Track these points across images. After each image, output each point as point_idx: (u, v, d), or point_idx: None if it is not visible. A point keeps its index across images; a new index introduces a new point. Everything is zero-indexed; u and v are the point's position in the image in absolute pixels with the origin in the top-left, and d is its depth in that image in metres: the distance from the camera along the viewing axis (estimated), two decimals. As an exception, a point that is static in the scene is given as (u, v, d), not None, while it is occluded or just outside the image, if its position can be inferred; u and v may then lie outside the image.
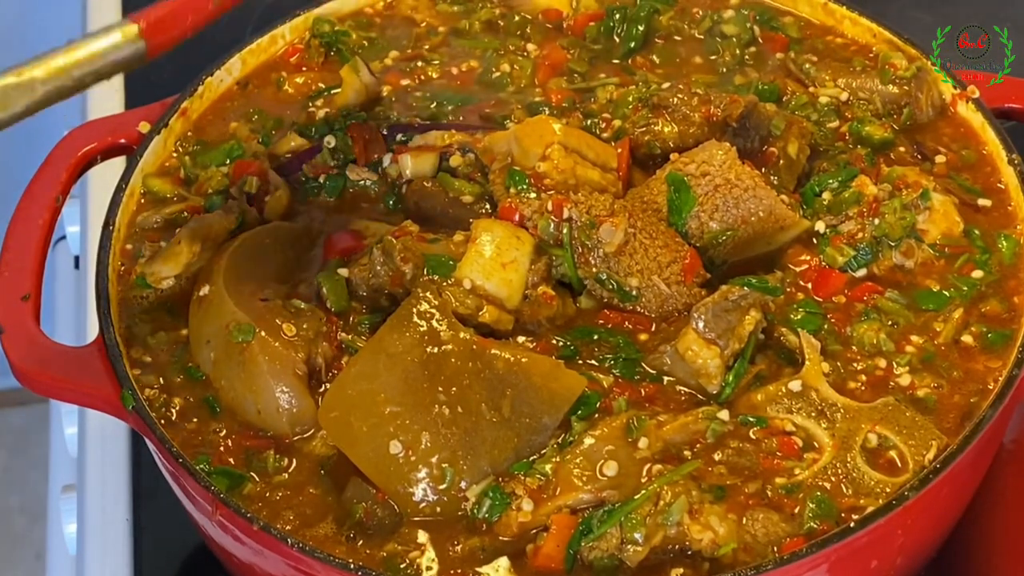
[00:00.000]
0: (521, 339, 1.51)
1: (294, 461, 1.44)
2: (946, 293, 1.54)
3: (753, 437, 1.42)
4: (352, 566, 1.33)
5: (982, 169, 1.66)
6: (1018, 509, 1.60)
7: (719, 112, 1.62)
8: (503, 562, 1.36)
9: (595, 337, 1.51)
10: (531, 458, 1.40)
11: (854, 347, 1.50)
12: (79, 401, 1.54)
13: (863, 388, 1.47)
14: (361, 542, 1.38)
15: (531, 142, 1.57)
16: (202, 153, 1.72)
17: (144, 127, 1.71)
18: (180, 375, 1.51)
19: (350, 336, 1.51)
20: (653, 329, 1.52)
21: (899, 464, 1.40)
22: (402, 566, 1.36)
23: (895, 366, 1.48)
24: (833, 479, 1.39)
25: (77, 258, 2.19)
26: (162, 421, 1.46)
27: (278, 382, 1.45)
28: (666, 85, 1.71)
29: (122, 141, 1.71)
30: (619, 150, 1.62)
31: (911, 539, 1.43)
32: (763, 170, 1.60)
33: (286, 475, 1.43)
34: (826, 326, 1.51)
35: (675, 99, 1.64)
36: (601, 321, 1.53)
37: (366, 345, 1.47)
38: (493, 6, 1.90)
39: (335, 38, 1.85)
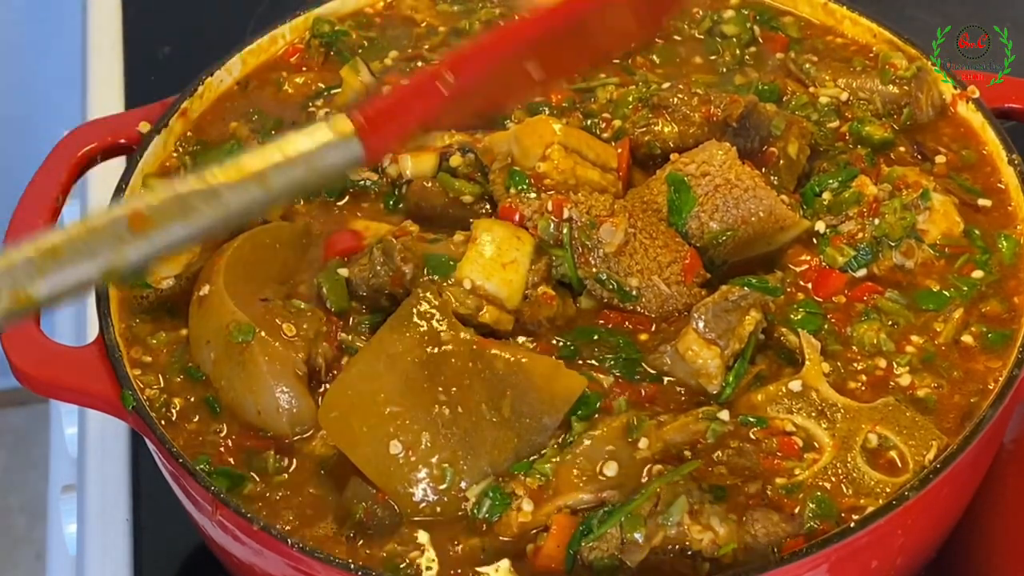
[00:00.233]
0: (521, 339, 1.51)
1: (294, 461, 1.44)
2: (946, 293, 1.54)
3: (753, 437, 1.42)
4: (352, 566, 1.33)
5: (982, 169, 1.66)
6: (1018, 509, 1.60)
7: (719, 112, 1.62)
8: (504, 563, 1.36)
9: (595, 337, 1.51)
10: (531, 458, 1.40)
11: (854, 347, 1.50)
12: (79, 401, 1.54)
13: (863, 388, 1.47)
14: (361, 542, 1.38)
15: (531, 142, 1.57)
16: (202, 153, 1.71)
17: (144, 127, 1.71)
18: (180, 375, 1.51)
19: (350, 336, 1.51)
20: (653, 329, 1.52)
21: (899, 464, 1.40)
22: (402, 566, 1.36)
23: (895, 366, 1.48)
24: (833, 479, 1.39)
25: (77, 258, 2.18)
26: (162, 421, 1.46)
27: (278, 382, 1.45)
28: (666, 85, 1.71)
29: (122, 141, 1.71)
30: (619, 150, 1.62)
31: (911, 539, 1.43)
32: (763, 170, 1.60)
33: (286, 475, 1.43)
34: (826, 326, 1.51)
35: (675, 99, 1.64)
36: (601, 321, 1.53)
37: (366, 345, 1.47)
38: (493, 6, 1.90)
39: (335, 38, 1.85)
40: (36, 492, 3.25)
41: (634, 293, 1.52)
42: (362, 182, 1.68)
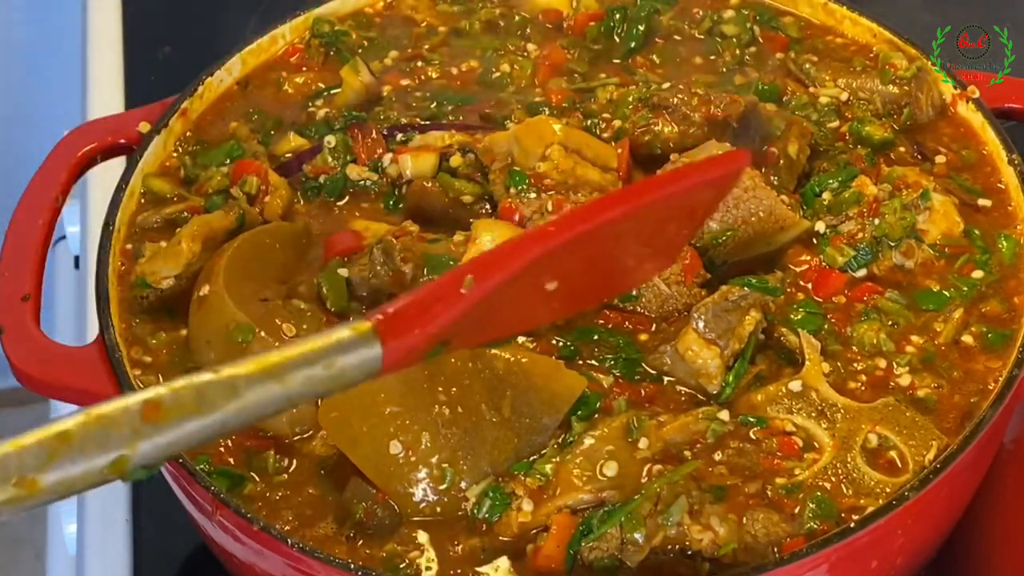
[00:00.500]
0: (521, 339, 1.50)
1: (294, 461, 1.44)
2: (946, 293, 1.54)
3: (753, 437, 1.42)
4: (352, 566, 1.33)
5: (982, 169, 1.66)
6: (1018, 509, 1.60)
7: (719, 112, 1.62)
8: (503, 562, 1.36)
9: (595, 337, 1.51)
10: (531, 458, 1.40)
11: (854, 347, 1.50)
12: (79, 401, 1.54)
13: (863, 388, 1.47)
14: (361, 542, 1.38)
15: (531, 142, 1.58)
16: (202, 153, 1.71)
17: (144, 127, 1.71)
18: (180, 375, 1.50)
19: (350, 336, 1.51)
20: (653, 329, 1.52)
21: (899, 464, 1.40)
22: (402, 566, 1.36)
23: (895, 366, 1.48)
24: (833, 479, 1.39)
25: (77, 258, 2.19)
26: (162, 421, 1.46)
27: (278, 382, 1.44)
28: (666, 85, 1.71)
29: (122, 141, 1.71)
30: (619, 150, 1.62)
31: (911, 539, 1.43)
32: (763, 170, 1.60)
33: (286, 475, 1.43)
34: (826, 326, 1.51)
35: (675, 99, 1.64)
36: (601, 321, 1.53)
37: (366, 345, 1.47)
38: (493, 6, 1.90)
39: (335, 38, 1.85)
40: (36, 492, 3.25)
41: (634, 293, 1.52)
42: (362, 182, 1.68)
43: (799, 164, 1.64)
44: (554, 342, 1.51)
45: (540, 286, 1.19)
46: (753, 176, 1.55)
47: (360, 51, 1.85)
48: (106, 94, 2.21)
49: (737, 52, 1.81)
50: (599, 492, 1.37)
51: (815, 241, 1.57)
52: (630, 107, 1.68)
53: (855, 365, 1.48)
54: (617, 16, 1.84)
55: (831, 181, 1.60)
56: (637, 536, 1.34)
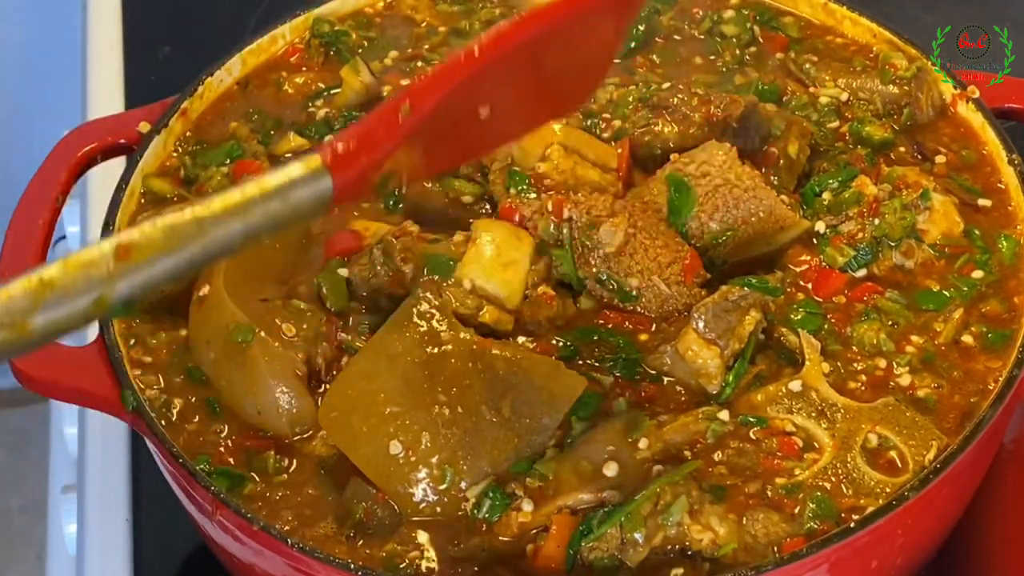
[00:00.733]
0: (521, 339, 1.51)
1: (294, 461, 1.44)
2: (946, 293, 1.54)
3: (753, 437, 1.42)
4: (352, 566, 1.33)
5: (982, 169, 1.66)
6: (1018, 509, 1.60)
7: (719, 112, 1.62)
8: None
9: (595, 337, 1.51)
10: (531, 458, 1.40)
11: (854, 347, 1.50)
12: (79, 401, 1.54)
13: (863, 388, 1.47)
14: (361, 542, 1.38)
15: (531, 142, 1.57)
16: (202, 153, 1.71)
17: (144, 127, 1.71)
18: (180, 375, 1.51)
19: (350, 336, 1.51)
20: (653, 329, 1.52)
21: (899, 464, 1.40)
22: (402, 566, 1.36)
23: (895, 366, 1.48)
24: (833, 479, 1.39)
25: (77, 258, 2.18)
26: (162, 422, 1.46)
27: (278, 383, 1.45)
28: (666, 85, 1.71)
29: (122, 141, 1.71)
30: (619, 150, 1.62)
31: (911, 539, 1.43)
32: (763, 170, 1.60)
33: (286, 475, 1.43)
34: (826, 326, 1.51)
35: (675, 99, 1.64)
36: (601, 321, 1.53)
37: (366, 345, 1.47)
38: (493, 6, 1.90)
39: (335, 38, 1.85)
40: (36, 492, 3.25)
41: (634, 293, 1.52)
42: (362, 182, 1.68)
43: (799, 164, 1.64)
44: (554, 342, 1.51)
45: (473, 113, 1.26)
46: (753, 176, 1.55)
47: (360, 51, 1.85)
48: (106, 94, 2.21)
49: (737, 52, 1.81)
50: (599, 492, 1.37)
51: (815, 241, 1.57)
52: (630, 107, 1.68)
53: (855, 365, 1.48)
54: (617, 16, 1.84)
55: (831, 181, 1.60)
56: (637, 536, 1.34)
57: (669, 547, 1.35)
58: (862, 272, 1.56)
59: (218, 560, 1.53)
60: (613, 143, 1.64)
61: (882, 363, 1.48)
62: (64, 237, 2.23)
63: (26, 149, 2.22)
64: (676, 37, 1.85)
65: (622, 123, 1.66)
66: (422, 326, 1.44)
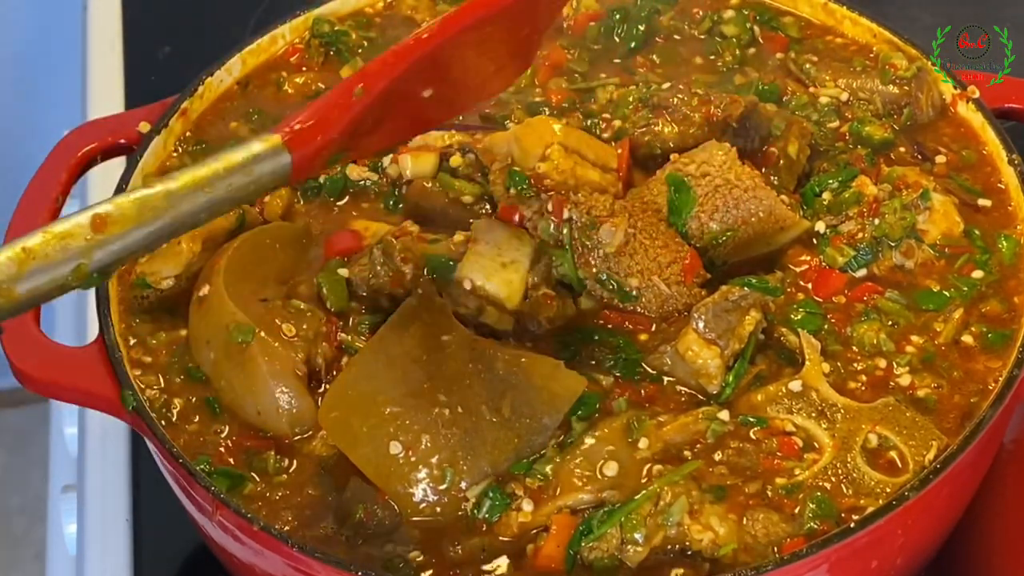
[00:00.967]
0: (521, 339, 1.51)
1: (294, 461, 1.44)
2: (946, 293, 1.54)
3: (753, 437, 1.42)
4: (352, 566, 1.33)
5: (982, 169, 1.66)
6: (1018, 509, 1.60)
7: (719, 112, 1.62)
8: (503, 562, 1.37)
9: (595, 337, 1.51)
10: (531, 458, 1.40)
11: (854, 347, 1.50)
12: (79, 401, 1.54)
13: (863, 388, 1.47)
14: (361, 542, 1.38)
15: (531, 142, 1.57)
16: (202, 153, 1.71)
17: (144, 127, 1.71)
18: (180, 375, 1.51)
19: (350, 336, 1.51)
20: (653, 329, 1.52)
21: (899, 464, 1.40)
22: (401, 566, 1.36)
23: (895, 366, 1.48)
24: (833, 479, 1.39)
25: (77, 258, 2.18)
26: (162, 422, 1.46)
27: (278, 383, 1.45)
28: (666, 85, 1.71)
29: (122, 141, 1.71)
30: (619, 150, 1.62)
31: (911, 539, 1.43)
32: (763, 170, 1.60)
33: (286, 475, 1.43)
34: (826, 326, 1.51)
35: (675, 99, 1.64)
36: (601, 321, 1.53)
37: (366, 345, 1.47)
38: (493, 6, 1.89)
39: (335, 38, 1.85)
40: (36, 492, 3.25)
41: (634, 293, 1.52)
42: (362, 182, 1.68)
43: (799, 164, 1.64)
44: (554, 342, 1.51)
45: (418, 94, 1.37)
46: (753, 176, 1.55)
47: (360, 51, 1.85)
48: (106, 94, 2.21)
49: (737, 52, 1.81)
50: (599, 492, 1.37)
51: (815, 241, 1.57)
52: (630, 107, 1.68)
53: (855, 365, 1.48)
54: (617, 16, 1.84)
55: (831, 181, 1.60)
56: (637, 536, 1.34)
57: (669, 547, 1.35)
58: (862, 272, 1.56)
59: (218, 560, 1.53)
60: (613, 143, 1.64)
61: (882, 363, 1.48)
62: (64, 237, 2.23)
63: (26, 149, 2.22)
64: (676, 37, 1.85)
65: (622, 123, 1.67)
66: (422, 326, 1.44)
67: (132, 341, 1.53)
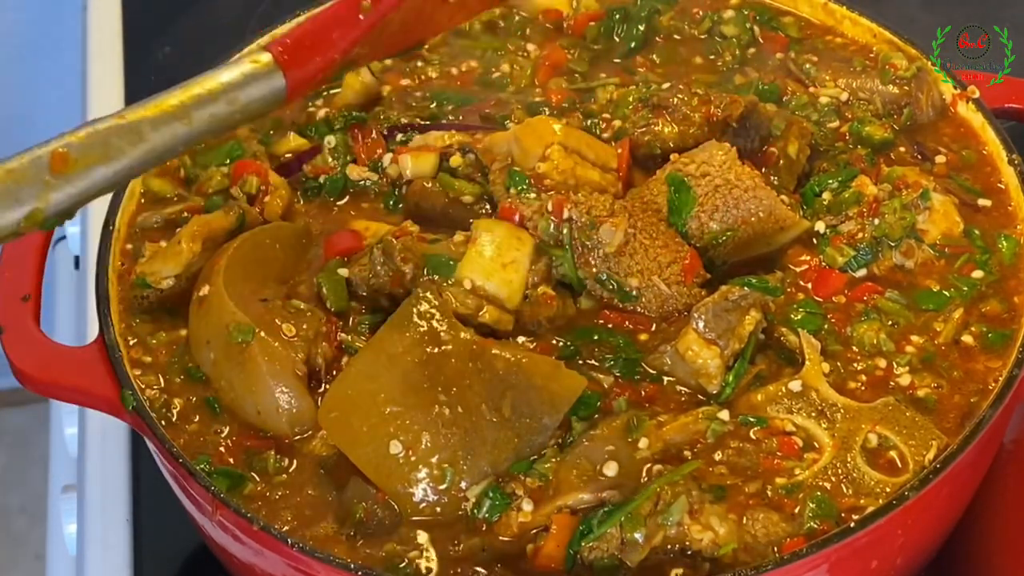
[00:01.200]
0: (521, 339, 1.51)
1: (294, 461, 1.44)
2: (946, 293, 1.54)
3: (753, 437, 1.42)
4: (352, 566, 1.33)
5: (982, 169, 1.66)
6: (1018, 509, 1.60)
7: (719, 112, 1.62)
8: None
9: (595, 337, 1.51)
10: (531, 458, 1.40)
11: (854, 347, 1.50)
12: (79, 401, 1.54)
13: (863, 388, 1.47)
14: (361, 542, 1.38)
15: (531, 142, 1.57)
16: (202, 153, 1.71)
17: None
18: (180, 375, 1.51)
19: (350, 336, 1.51)
20: (653, 329, 1.52)
21: (899, 464, 1.40)
22: (401, 566, 1.36)
23: (895, 366, 1.48)
24: (833, 479, 1.39)
25: (77, 258, 2.19)
26: (162, 422, 1.46)
27: (278, 382, 1.45)
28: (666, 85, 1.71)
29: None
30: (619, 150, 1.62)
31: (911, 539, 1.43)
32: (763, 170, 1.60)
33: (286, 475, 1.43)
34: (826, 326, 1.51)
35: (675, 99, 1.64)
36: (601, 321, 1.53)
37: (366, 345, 1.47)
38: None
39: (335, 38, 1.84)
40: (36, 492, 3.25)
41: (634, 293, 1.52)
42: (362, 182, 1.68)
43: (799, 164, 1.64)
44: (554, 342, 1.51)
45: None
46: (753, 176, 1.55)
47: (360, 51, 1.84)
48: (106, 94, 2.21)
49: (737, 52, 1.81)
50: (599, 492, 1.37)
51: (815, 241, 1.57)
52: (630, 107, 1.68)
53: (855, 365, 1.48)
54: (617, 16, 1.84)
55: (831, 181, 1.60)
56: (637, 536, 1.34)
57: (669, 547, 1.35)
58: (862, 272, 1.56)
59: (218, 560, 1.53)
60: (613, 143, 1.64)
61: (882, 363, 1.48)
62: (64, 237, 2.23)
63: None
64: (676, 37, 1.85)
65: (622, 123, 1.67)
66: (422, 326, 1.44)
67: (132, 341, 1.53)
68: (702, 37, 1.85)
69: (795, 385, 1.45)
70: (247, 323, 1.46)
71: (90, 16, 2.37)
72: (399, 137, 1.71)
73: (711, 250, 1.55)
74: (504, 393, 1.40)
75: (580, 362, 1.49)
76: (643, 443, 1.40)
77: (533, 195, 1.55)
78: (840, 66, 1.77)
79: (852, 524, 1.33)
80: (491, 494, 1.38)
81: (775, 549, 1.35)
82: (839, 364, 1.48)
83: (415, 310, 1.45)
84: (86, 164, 1.06)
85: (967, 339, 1.50)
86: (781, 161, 1.63)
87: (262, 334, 1.46)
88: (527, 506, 1.37)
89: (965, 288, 1.54)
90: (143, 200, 1.67)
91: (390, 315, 1.47)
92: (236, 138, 1.73)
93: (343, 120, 1.72)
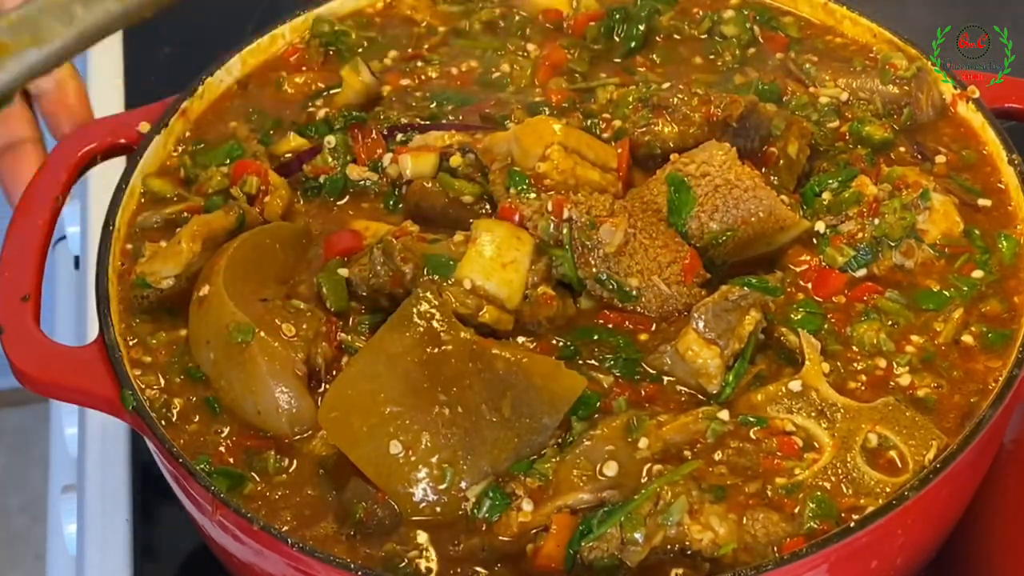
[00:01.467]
0: (521, 339, 1.51)
1: (294, 461, 1.44)
2: (946, 293, 1.54)
3: (753, 437, 1.42)
4: (352, 566, 1.33)
5: (982, 169, 1.66)
6: (1018, 509, 1.60)
7: (719, 112, 1.62)
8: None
9: (595, 337, 1.51)
10: (531, 458, 1.40)
11: (854, 347, 1.50)
12: (79, 401, 1.54)
13: (863, 388, 1.47)
14: (361, 542, 1.38)
15: (531, 142, 1.57)
16: (202, 153, 1.72)
17: (144, 127, 1.71)
18: (180, 375, 1.51)
19: (350, 336, 1.51)
20: (653, 329, 1.52)
21: (899, 464, 1.40)
22: (401, 566, 1.36)
23: (895, 366, 1.48)
24: (833, 479, 1.39)
25: (77, 258, 2.19)
26: (162, 422, 1.46)
27: (278, 382, 1.45)
28: (666, 85, 1.71)
29: (122, 141, 1.71)
30: (619, 150, 1.62)
31: (911, 539, 1.43)
32: (763, 170, 1.60)
33: (286, 475, 1.43)
34: (826, 326, 1.51)
35: (675, 99, 1.64)
36: (601, 321, 1.53)
37: (366, 345, 1.47)
38: (493, 6, 1.90)
39: (335, 38, 1.85)
40: (36, 492, 3.25)
41: (634, 293, 1.52)
42: (362, 182, 1.68)
43: (799, 164, 1.64)
44: (554, 342, 1.51)
45: None
46: (753, 176, 1.55)
47: (360, 51, 1.85)
48: (106, 94, 2.21)
49: (737, 52, 1.81)
50: (599, 492, 1.37)
51: (815, 241, 1.57)
52: (630, 107, 1.67)
53: (855, 365, 1.48)
54: (617, 16, 1.84)
55: (831, 181, 1.60)
56: (637, 536, 1.34)
57: (669, 547, 1.35)
58: (862, 272, 1.56)
59: (218, 560, 1.53)
60: (613, 143, 1.64)
61: (882, 363, 1.48)
62: (64, 237, 2.23)
63: (26, 149, 2.21)
64: (676, 37, 1.85)
65: (622, 123, 1.66)
66: (422, 326, 1.44)
67: (132, 341, 1.53)
68: (702, 37, 1.85)
69: (795, 385, 1.45)
70: (247, 323, 1.46)
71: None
72: (399, 137, 1.71)
73: (711, 250, 1.55)
74: (504, 393, 1.40)
75: (580, 362, 1.49)
76: (643, 443, 1.40)
77: (533, 195, 1.55)
78: (840, 66, 1.77)
79: (852, 524, 1.33)
80: (491, 494, 1.38)
81: (775, 549, 1.35)
82: (839, 364, 1.48)
83: (415, 310, 1.45)
84: (18, 48, 1.05)
85: (967, 339, 1.50)
86: (781, 161, 1.63)
87: (262, 334, 1.46)
88: (527, 506, 1.37)
89: (965, 288, 1.54)
90: (143, 200, 1.67)
91: (390, 315, 1.47)
92: (236, 138, 1.73)
93: (343, 120, 1.72)
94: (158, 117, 1.72)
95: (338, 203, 1.68)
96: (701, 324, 1.46)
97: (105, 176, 1.76)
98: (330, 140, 1.69)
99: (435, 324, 1.44)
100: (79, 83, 1.68)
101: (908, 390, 1.46)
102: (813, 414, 1.43)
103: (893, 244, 1.55)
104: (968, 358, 1.49)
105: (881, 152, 1.67)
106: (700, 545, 1.35)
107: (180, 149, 1.73)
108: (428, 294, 1.46)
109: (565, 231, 1.52)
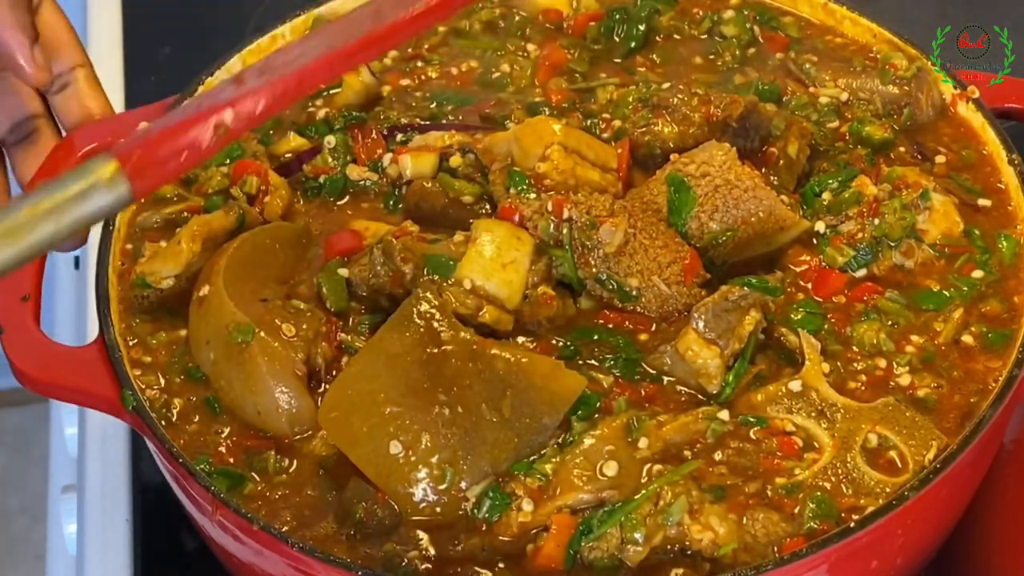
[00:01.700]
0: (521, 339, 1.51)
1: (294, 461, 1.44)
2: (946, 293, 1.54)
3: (753, 437, 1.42)
4: (352, 566, 1.33)
5: (982, 169, 1.66)
6: (1018, 509, 1.60)
7: (719, 112, 1.62)
8: None
9: (595, 337, 1.51)
10: (531, 458, 1.40)
11: (854, 347, 1.50)
12: (79, 401, 1.54)
13: (863, 388, 1.47)
14: (361, 542, 1.38)
15: (531, 142, 1.57)
16: (202, 153, 1.71)
17: (144, 127, 1.70)
18: (180, 375, 1.51)
19: (350, 336, 1.51)
20: (653, 329, 1.52)
21: (899, 464, 1.40)
22: (402, 566, 1.36)
23: (895, 366, 1.48)
24: (833, 479, 1.39)
25: (77, 258, 2.19)
26: (162, 422, 1.46)
27: (277, 382, 1.45)
28: (666, 85, 1.71)
29: (122, 141, 1.71)
30: (619, 150, 1.62)
31: (911, 539, 1.43)
32: (763, 170, 1.60)
33: (286, 475, 1.43)
34: (826, 326, 1.51)
35: (675, 99, 1.64)
36: (601, 321, 1.53)
37: (366, 345, 1.47)
38: (493, 6, 1.90)
39: (335, 38, 1.84)
40: (36, 492, 3.25)
41: (634, 293, 1.52)
42: (362, 182, 1.68)
43: (799, 164, 1.64)
44: (554, 342, 1.51)
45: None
46: (753, 176, 1.55)
47: (360, 51, 1.84)
48: (106, 94, 2.21)
49: (737, 52, 1.81)
50: (599, 492, 1.37)
51: (815, 241, 1.57)
52: (630, 107, 1.68)
53: (855, 365, 1.48)
54: (617, 16, 1.84)
55: (831, 181, 1.60)
56: (637, 536, 1.34)
57: (669, 547, 1.35)
58: (862, 272, 1.56)
59: (218, 560, 1.53)
60: (613, 143, 1.64)
61: (882, 363, 1.48)
62: (64, 237, 2.23)
63: (26, 149, 2.21)
64: (676, 37, 1.85)
65: (622, 123, 1.67)
66: (422, 326, 1.44)
67: (132, 341, 1.53)
68: (702, 37, 1.85)
69: (795, 385, 1.45)
70: (247, 323, 1.46)
71: (90, 16, 2.37)
72: (399, 137, 1.71)
73: (711, 250, 1.55)
74: (504, 393, 1.40)
75: (580, 362, 1.49)
76: (643, 443, 1.40)
77: (533, 195, 1.55)
78: (840, 66, 1.77)
79: (852, 524, 1.33)
80: (491, 494, 1.38)
81: (775, 549, 1.35)
82: (839, 364, 1.48)
83: (415, 310, 1.45)
84: None
85: (967, 339, 1.50)
86: (781, 161, 1.63)
87: (262, 334, 1.46)
88: (527, 506, 1.37)
89: (965, 288, 1.54)
90: (143, 200, 1.67)
91: (390, 315, 1.47)
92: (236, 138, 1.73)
93: (343, 120, 1.72)
94: (158, 117, 1.71)
95: (338, 203, 1.68)
96: (701, 324, 1.46)
97: (105, 176, 1.75)
98: (330, 140, 1.69)
99: (435, 324, 1.44)
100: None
101: (908, 390, 1.46)
102: (813, 414, 1.43)
103: (893, 244, 1.55)
104: (968, 358, 1.49)
105: (881, 152, 1.67)
106: (700, 545, 1.35)
107: (180, 149, 1.73)
108: (428, 294, 1.46)
109: (565, 231, 1.52)
